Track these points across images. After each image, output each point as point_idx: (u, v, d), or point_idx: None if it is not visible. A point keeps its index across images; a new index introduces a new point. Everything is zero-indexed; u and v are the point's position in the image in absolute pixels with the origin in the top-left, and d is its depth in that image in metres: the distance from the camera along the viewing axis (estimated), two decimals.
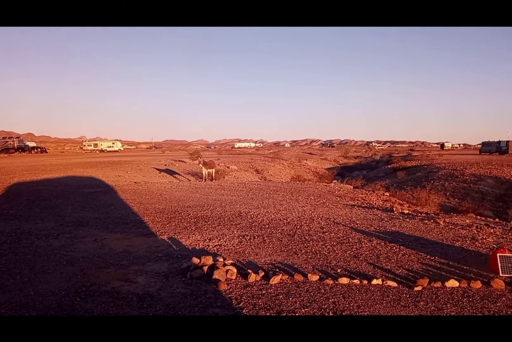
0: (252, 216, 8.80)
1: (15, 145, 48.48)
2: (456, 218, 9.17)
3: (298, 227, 7.76)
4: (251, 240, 6.71)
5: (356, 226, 7.97)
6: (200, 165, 19.12)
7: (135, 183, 16.02)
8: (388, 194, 14.97)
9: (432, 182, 22.89)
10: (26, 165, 23.26)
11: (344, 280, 4.70)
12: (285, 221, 8.31)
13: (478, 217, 10.39)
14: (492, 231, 7.64)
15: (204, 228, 7.63)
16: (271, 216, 8.84)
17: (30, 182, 14.71)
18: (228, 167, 27.95)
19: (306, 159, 48.00)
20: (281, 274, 4.82)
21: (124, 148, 79.86)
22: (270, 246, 6.38)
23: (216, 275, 4.71)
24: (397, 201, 13.68)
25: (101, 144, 72.10)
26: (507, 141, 49.09)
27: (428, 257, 5.89)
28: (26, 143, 52.79)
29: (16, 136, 58.00)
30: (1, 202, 10.72)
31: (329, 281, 4.69)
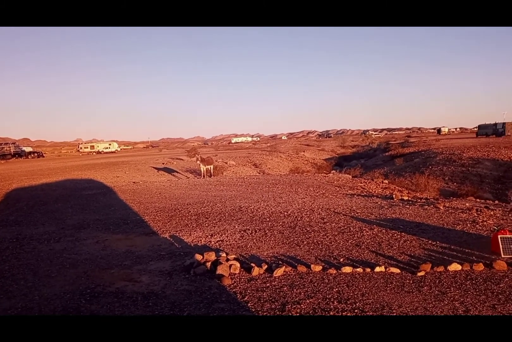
0: (252, 210, 8.80)
1: (12, 151, 48.24)
2: (455, 202, 9.20)
3: (299, 218, 7.77)
4: (253, 234, 6.72)
5: (356, 214, 7.99)
6: (198, 162, 19.10)
7: (134, 183, 16.01)
8: (387, 182, 15.01)
9: (430, 167, 22.91)
10: (24, 170, 23.19)
11: (347, 269, 4.72)
12: (285, 213, 8.32)
13: (478, 199, 10.43)
14: (492, 213, 7.66)
15: (205, 224, 7.64)
16: (271, 209, 8.84)
17: (29, 187, 14.69)
18: (226, 163, 27.91)
19: (304, 151, 47.96)
20: (284, 266, 4.83)
21: (121, 149, 79.60)
22: (272, 239, 6.39)
23: (220, 270, 4.72)
24: (396, 188, 13.72)
25: (98, 146, 71.75)
26: (504, 123, 49.05)
27: (429, 242, 5.91)
28: (23, 149, 52.57)
29: (12, 142, 57.66)
30: (1, 208, 10.70)
31: (332, 271, 4.71)
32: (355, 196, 10.71)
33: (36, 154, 54.32)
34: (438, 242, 5.86)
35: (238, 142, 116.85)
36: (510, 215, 7.51)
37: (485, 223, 6.91)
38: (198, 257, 5.12)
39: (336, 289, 4.24)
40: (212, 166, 19.91)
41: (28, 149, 55.86)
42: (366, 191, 12.09)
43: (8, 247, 6.55)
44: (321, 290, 4.22)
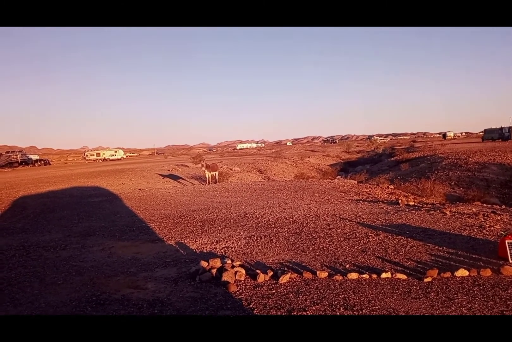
0: (257, 216, 8.80)
1: (19, 159, 48.72)
2: (462, 207, 9.13)
3: (304, 224, 7.75)
4: (258, 240, 6.71)
5: (362, 220, 7.95)
6: (203, 168, 19.15)
7: (140, 189, 16.06)
8: (392, 187, 14.94)
9: (436, 172, 22.78)
10: (31, 178, 23.36)
11: (353, 275, 4.69)
12: (291, 219, 8.30)
13: (484, 204, 10.34)
14: (499, 218, 7.60)
15: (210, 231, 7.64)
16: (276, 215, 8.83)
17: (35, 194, 14.78)
18: (231, 169, 27.96)
19: (309, 157, 47.90)
20: (289, 273, 4.82)
21: (126, 156, 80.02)
22: (277, 245, 6.38)
23: (225, 277, 4.71)
24: (402, 193, 13.65)
25: (104, 154, 72.22)
26: (510, 127, 48.77)
27: (436, 247, 5.86)
28: (29, 157, 53.01)
29: (19, 150, 58.22)
30: (8, 216, 10.78)
31: (338, 277, 4.69)
32: (360, 201, 10.67)
33: (42, 162, 54.75)
34: (444, 248, 5.82)
35: (243, 149, 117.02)
36: None
37: (492, 228, 6.85)
38: (204, 263, 5.11)
39: (342, 295, 4.21)
40: (217, 172, 19.95)
41: (34, 157, 56.28)
42: (371, 196, 12.04)
43: (15, 255, 6.58)
44: (327, 296, 4.20)
